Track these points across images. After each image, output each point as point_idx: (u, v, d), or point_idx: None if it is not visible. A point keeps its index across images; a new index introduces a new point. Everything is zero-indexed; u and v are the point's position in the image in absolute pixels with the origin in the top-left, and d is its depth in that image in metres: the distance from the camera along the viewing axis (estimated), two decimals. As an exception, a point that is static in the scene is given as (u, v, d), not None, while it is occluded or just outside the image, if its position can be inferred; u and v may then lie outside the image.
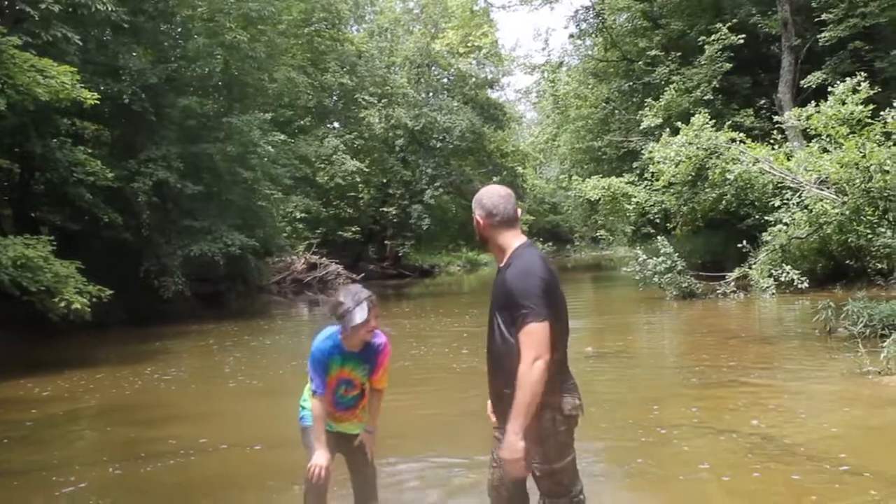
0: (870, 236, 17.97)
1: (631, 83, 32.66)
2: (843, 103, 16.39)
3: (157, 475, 7.04)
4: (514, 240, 4.09)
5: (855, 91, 16.52)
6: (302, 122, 37.46)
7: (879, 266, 19.21)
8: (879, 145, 15.30)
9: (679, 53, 28.77)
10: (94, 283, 15.05)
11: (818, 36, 24.22)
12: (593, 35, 36.57)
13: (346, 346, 4.91)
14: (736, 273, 21.54)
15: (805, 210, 18.39)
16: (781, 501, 5.42)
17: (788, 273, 18.43)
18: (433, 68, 49.94)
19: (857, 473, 5.93)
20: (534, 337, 3.73)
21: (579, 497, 4.16)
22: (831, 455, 6.48)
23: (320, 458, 4.87)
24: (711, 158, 19.55)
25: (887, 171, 15.05)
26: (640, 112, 28.16)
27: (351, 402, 5.10)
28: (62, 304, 14.26)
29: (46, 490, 6.58)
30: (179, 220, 22.60)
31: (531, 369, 3.70)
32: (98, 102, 16.56)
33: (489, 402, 4.28)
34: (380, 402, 5.19)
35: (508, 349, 3.88)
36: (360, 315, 4.71)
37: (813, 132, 17.35)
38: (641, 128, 27.90)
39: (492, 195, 4.16)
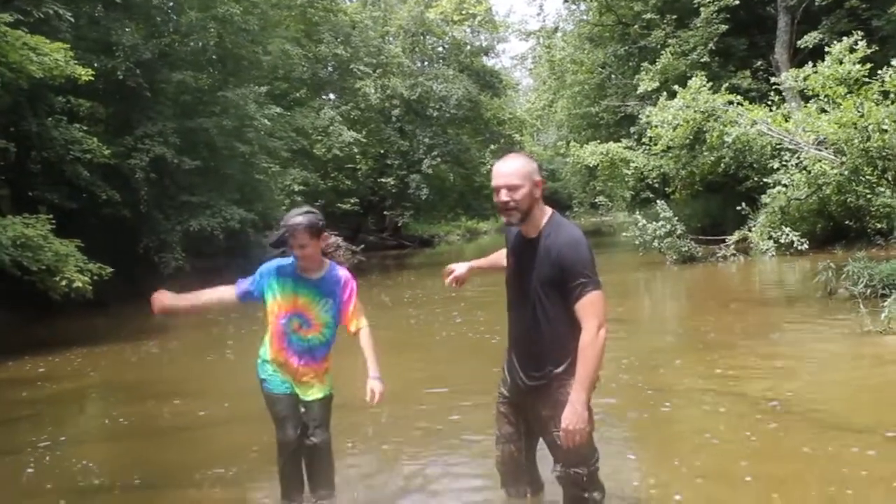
0: (869, 196, 17.94)
1: (627, 47, 32.49)
2: (841, 63, 16.30)
3: (163, 450, 7.08)
4: (546, 208, 4.06)
5: (852, 50, 16.42)
6: (297, 95, 37.25)
7: (879, 226, 19.20)
8: (877, 104, 15.23)
9: (675, 16, 28.62)
10: (94, 261, 15.04)
11: (814, -5, 24.09)
12: (588, -1, 36.32)
13: (300, 271, 4.83)
14: (735, 236, 21.55)
15: (804, 171, 18.35)
16: (785, 461, 5.45)
17: (788, 235, 18.45)
18: (428, 37, 49.65)
19: (859, 432, 5.96)
20: (596, 306, 3.78)
21: (596, 466, 4.19)
22: (833, 414, 6.52)
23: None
24: (709, 121, 19.49)
25: (885, 131, 14.99)
26: (637, 76, 28.05)
27: (306, 347, 4.85)
28: (63, 282, 14.25)
29: (53, 467, 6.60)
30: (177, 196, 22.55)
31: (596, 339, 3.77)
32: (92, 79, 16.46)
33: (505, 371, 4.29)
34: (370, 341, 4.86)
35: (557, 325, 3.92)
36: (270, 239, 4.73)
37: (810, 93, 17.26)
38: (638, 92, 27.80)
39: (534, 161, 4.10)
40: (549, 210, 4.05)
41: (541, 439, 4.31)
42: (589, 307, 3.76)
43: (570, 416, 3.84)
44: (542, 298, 3.93)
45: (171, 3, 24.26)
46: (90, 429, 8.41)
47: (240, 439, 6.91)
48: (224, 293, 5.01)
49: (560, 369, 3.98)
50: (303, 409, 4.89)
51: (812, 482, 5.07)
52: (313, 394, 4.89)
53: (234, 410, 7.80)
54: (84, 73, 15.67)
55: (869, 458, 5.43)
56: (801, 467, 5.36)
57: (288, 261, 4.89)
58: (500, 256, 4.49)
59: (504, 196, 3.90)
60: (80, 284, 14.30)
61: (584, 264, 3.81)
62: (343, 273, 4.94)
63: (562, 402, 3.93)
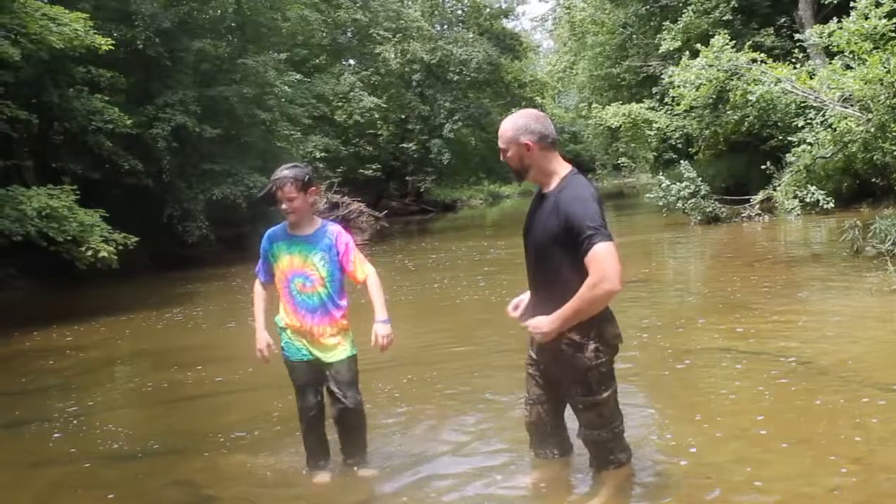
0: (896, 153, 17.75)
1: (648, 6, 32.05)
2: (866, 18, 16.09)
3: (188, 416, 7.17)
4: (562, 165, 4.07)
5: (878, 4, 16.19)
6: (317, 61, 37.20)
7: (906, 183, 19.00)
8: (904, 59, 15.04)
9: (697, -26, 28.23)
10: (118, 231, 15.15)
11: (840, -51, 23.70)
12: (609, -42, 35.89)
13: (291, 230, 4.87)
14: (760, 196, 21.39)
15: (829, 129, 18.17)
16: (813, 420, 5.42)
17: (814, 194, 18.31)
18: (447, 0, 49.32)
19: (887, 389, 5.92)
20: (602, 259, 3.71)
21: (620, 428, 4.18)
22: (862, 373, 6.46)
23: (259, 340, 4.92)
24: (732, 80, 19.33)
25: (913, 86, 14.81)
26: (659, 36, 27.74)
27: (314, 304, 4.83)
28: (89, 252, 14.38)
29: (80, 433, 6.68)
30: (200, 165, 22.62)
31: (593, 288, 3.73)
32: (112, 48, 16.52)
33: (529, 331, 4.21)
34: (377, 286, 4.88)
35: (562, 282, 3.90)
36: (262, 191, 4.73)
37: (835, 49, 17.08)
38: (660, 52, 27.49)
39: (537, 118, 4.10)
40: (566, 169, 4.04)
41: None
42: (594, 260, 3.71)
43: (542, 323, 3.94)
44: (545, 252, 3.97)
45: (190, -29, 24.21)
46: (116, 396, 8.50)
47: (262, 405, 6.97)
48: (262, 294, 5.06)
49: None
50: (328, 373, 4.88)
51: (826, 435, 5.05)
52: (336, 355, 4.86)
53: (256, 376, 7.85)
54: (104, 43, 15.72)
55: (888, 412, 5.40)
56: (817, 422, 5.34)
57: (279, 227, 4.95)
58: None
59: (501, 155, 4.13)
60: (106, 254, 14.43)
61: (591, 217, 3.77)
62: (334, 227, 4.96)
63: (577, 367, 3.93)
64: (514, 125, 4.04)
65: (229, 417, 6.87)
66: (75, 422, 7.03)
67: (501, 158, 4.11)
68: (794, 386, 6.24)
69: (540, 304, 4.04)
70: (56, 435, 6.68)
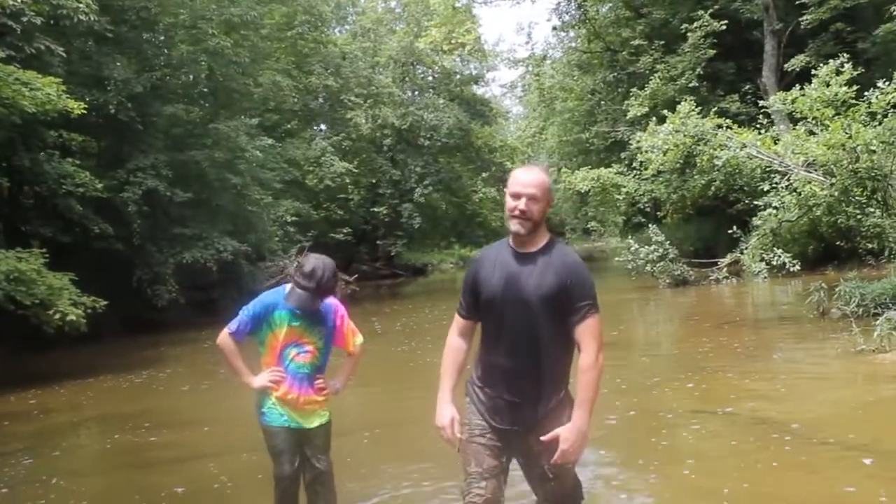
0: (859, 217, 17.98)
1: (616, 73, 32.71)
2: (828, 85, 16.45)
3: (160, 482, 7.06)
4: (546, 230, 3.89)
5: (838, 73, 16.59)
6: (289, 126, 37.42)
7: (870, 246, 19.20)
8: (865, 126, 15.38)
9: (662, 42, 28.87)
10: (87, 294, 15.04)
11: (800, 19, 24.32)
12: (576, 27, 36.60)
13: (291, 304, 4.81)
14: (728, 258, 21.60)
15: (794, 193, 18.43)
16: (783, 479, 5.47)
17: (780, 256, 18.49)
18: (418, 67, 49.93)
19: (854, 448, 5.98)
20: (597, 330, 3.68)
21: (583, 497, 4.08)
22: (830, 433, 6.53)
23: (260, 379, 4.84)
24: (699, 145, 19.61)
25: (874, 151, 15.13)
26: (626, 102, 28.20)
27: (306, 372, 4.84)
28: (57, 316, 14.23)
29: (48, 501, 6.59)
30: (170, 228, 22.56)
31: (597, 362, 3.65)
32: (85, 113, 16.54)
33: (480, 401, 3.91)
34: (353, 365, 5.10)
35: (554, 348, 3.75)
36: (304, 302, 4.69)
37: (799, 115, 17.40)
38: (628, 118, 27.94)
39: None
40: (549, 233, 3.89)
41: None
42: (592, 330, 3.66)
43: (575, 438, 3.62)
44: (541, 315, 3.69)
45: (163, 37, 24.41)
46: (80, 460, 8.39)
47: (235, 468, 6.90)
48: (230, 343, 4.95)
49: (555, 400, 3.78)
50: (305, 439, 4.87)
51: (800, 499, 5.09)
52: (316, 421, 4.88)
53: (228, 439, 7.79)
54: (76, 107, 15.74)
55: (861, 475, 5.45)
56: (791, 484, 5.38)
57: (279, 294, 4.91)
58: (456, 363, 4.04)
59: (523, 205, 3.69)
60: (74, 318, 14.28)
61: (591, 286, 3.73)
62: (332, 300, 4.99)
63: (555, 435, 3.67)
64: (548, 177, 3.86)
65: (200, 481, 6.80)
66: (43, 489, 6.93)
67: (522, 206, 3.68)
68: (770, 448, 6.28)
69: (518, 376, 3.78)
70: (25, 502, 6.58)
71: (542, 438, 3.69)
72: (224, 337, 4.92)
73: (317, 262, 4.81)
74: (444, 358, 4.02)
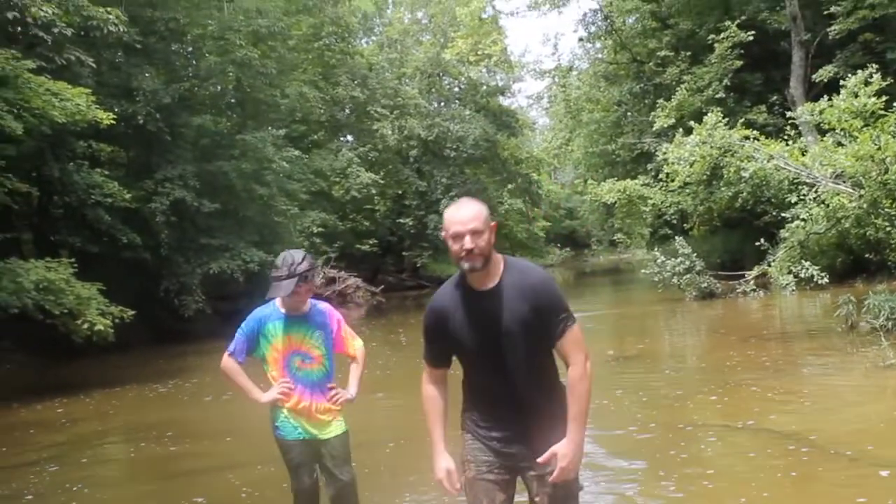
0: (888, 229, 17.80)
1: (642, 84, 32.57)
2: (856, 96, 16.34)
3: (182, 492, 7.08)
4: (497, 254, 3.71)
5: (867, 83, 16.48)
6: (315, 137, 37.58)
7: (899, 258, 19.08)
8: (894, 137, 15.23)
9: (689, 53, 28.71)
10: (115, 304, 15.16)
11: (828, 29, 24.11)
12: (602, 38, 36.50)
13: (284, 309, 4.80)
14: (755, 271, 21.42)
15: (822, 205, 18.29)
16: (807, 496, 5.41)
17: (808, 269, 18.36)
18: (444, 78, 50.00)
19: (883, 466, 5.90)
20: (580, 339, 3.57)
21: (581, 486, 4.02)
22: (858, 448, 6.45)
23: (269, 394, 4.80)
24: (726, 157, 19.52)
25: (903, 163, 14.98)
26: (653, 113, 28.06)
27: (314, 379, 4.83)
28: (85, 325, 14.37)
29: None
30: (197, 239, 22.72)
31: (585, 372, 3.55)
32: (114, 123, 16.74)
33: (482, 439, 3.80)
34: (360, 370, 5.03)
35: (542, 373, 3.67)
36: (283, 290, 4.63)
37: (827, 126, 17.30)
38: (654, 129, 27.80)
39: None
40: (500, 255, 3.70)
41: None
42: (574, 342, 3.55)
43: (572, 453, 3.53)
44: (521, 344, 3.58)
45: (191, 49, 24.68)
46: (110, 471, 8.45)
47: (256, 479, 6.92)
48: (232, 364, 4.89)
49: (551, 423, 3.65)
50: (323, 450, 4.82)
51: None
52: (332, 431, 4.84)
53: (250, 450, 7.81)
54: (106, 118, 15.90)
55: (875, 485, 5.39)
56: (809, 496, 5.32)
57: (269, 307, 4.89)
58: (440, 412, 3.88)
59: (469, 243, 3.51)
60: (102, 328, 14.42)
61: (562, 299, 3.61)
62: (325, 305, 4.99)
63: (552, 454, 3.57)
64: (483, 207, 3.65)
65: (217, 494, 6.82)
66: (71, 498, 6.98)
67: (468, 245, 3.50)
68: (796, 464, 6.22)
69: (514, 411, 3.70)
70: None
71: (539, 460, 3.60)
72: (225, 359, 4.91)
73: (285, 253, 4.81)
74: (427, 409, 3.88)
